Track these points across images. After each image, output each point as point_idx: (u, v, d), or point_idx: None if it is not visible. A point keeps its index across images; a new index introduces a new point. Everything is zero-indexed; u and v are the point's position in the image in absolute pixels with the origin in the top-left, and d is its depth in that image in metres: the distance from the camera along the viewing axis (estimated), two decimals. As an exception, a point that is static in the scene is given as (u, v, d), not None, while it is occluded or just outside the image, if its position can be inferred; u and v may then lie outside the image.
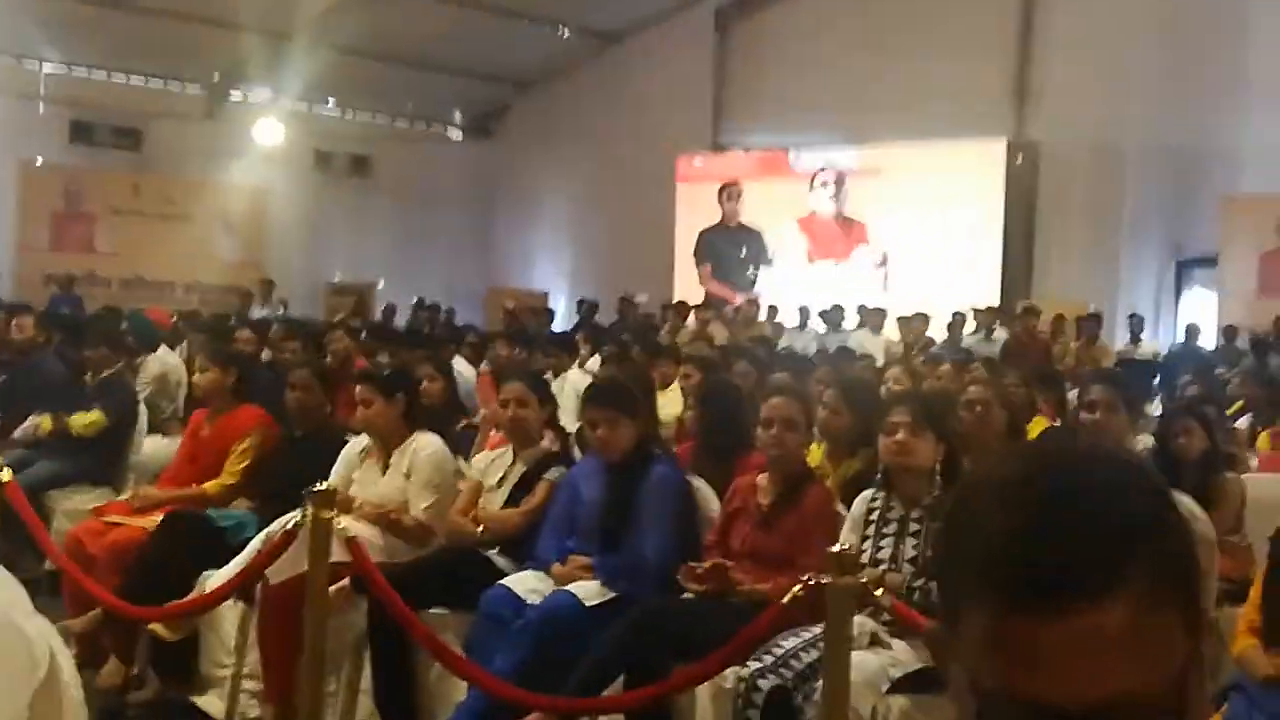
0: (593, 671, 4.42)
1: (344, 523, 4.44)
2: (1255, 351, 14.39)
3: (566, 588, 4.71)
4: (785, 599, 3.51)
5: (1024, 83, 18.13)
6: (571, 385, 9.07)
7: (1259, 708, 3.30)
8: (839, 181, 19.37)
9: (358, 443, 5.70)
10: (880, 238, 18.94)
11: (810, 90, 19.12)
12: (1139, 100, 16.70)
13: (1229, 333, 15.29)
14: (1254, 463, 6.79)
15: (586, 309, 18.24)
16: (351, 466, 5.56)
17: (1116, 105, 16.81)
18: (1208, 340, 15.72)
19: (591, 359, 11.28)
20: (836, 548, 3.44)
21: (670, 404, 8.24)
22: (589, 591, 4.70)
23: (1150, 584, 1.00)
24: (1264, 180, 16.07)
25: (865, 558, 4.27)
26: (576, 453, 5.67)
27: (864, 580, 3.34)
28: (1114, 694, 0.99)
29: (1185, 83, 16.37)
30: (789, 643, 4.05)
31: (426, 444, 5.50)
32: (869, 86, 18.27)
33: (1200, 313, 16.75)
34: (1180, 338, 15.90)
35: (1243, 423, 9.23)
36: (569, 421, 6.19)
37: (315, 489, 4.34)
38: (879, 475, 4.47)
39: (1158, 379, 13.14)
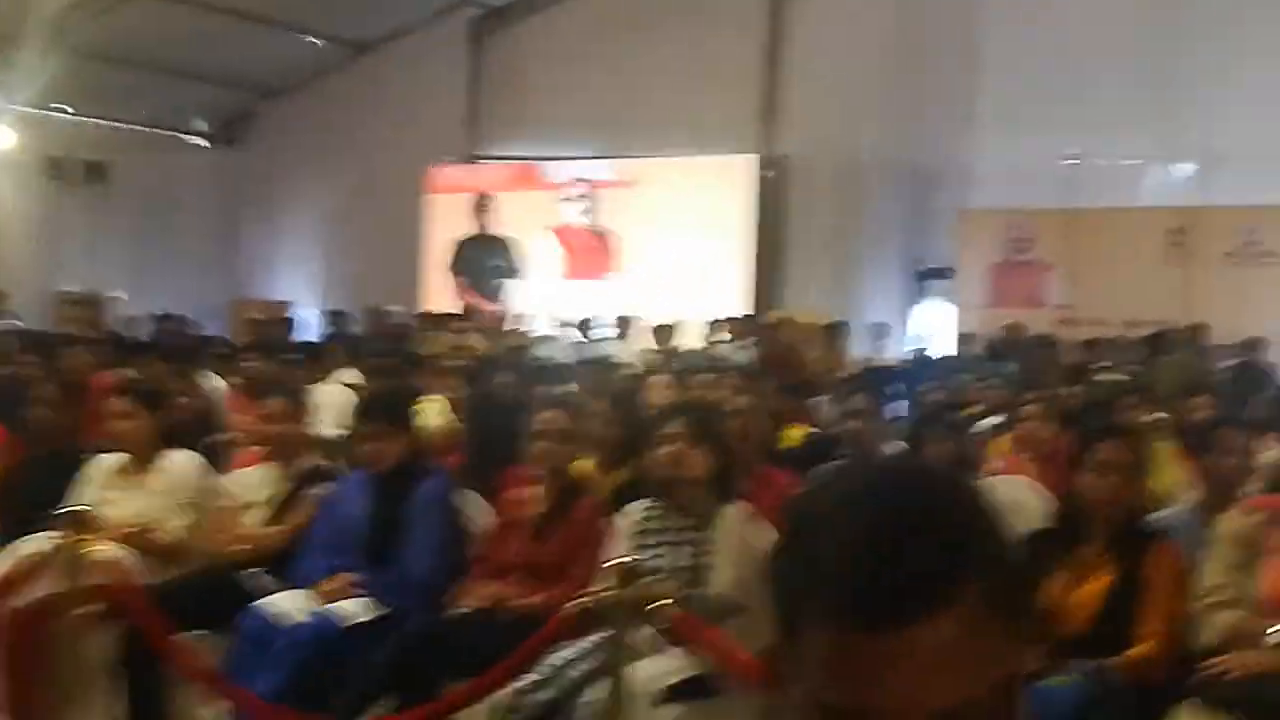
0: (360, 692, 4.32)
1: (96, 545, 4.22)
2: (991, 357, 15.13)
3: (332, 606, 4.59)
4: (568, 614, 3.49)
5: (772, 101, 18.60)
6: (323, 399, 8.86)
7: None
8: (591, 193, 19.50)
9: (105, 460, 5.42)
10: (634, 249, 19.14)
11: (565, 103, 19.21)
12: (878, 119, 17.38)
13: (965, 340, 16.02)
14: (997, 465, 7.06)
15: (337, 320, 17.87)
16: (101, 485, 5.28)
17: (857, 123, 17.45)
18: (944, 348, 16.40)
19: (344, 371, 11.03)
20: (616, 560, 3.44)
21: (429, 416, 8.12)
22: (356, 609, 4.59)
23: (981, 596, 1.03)
24: (995, 196, 16.93)
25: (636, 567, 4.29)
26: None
27: (638, 594, 3.34)
28: (950, 703, 1.01)
29: (921, 103, 17.11)
30: (562, 655, 4.03)
31: (182, 460, 5.28)
32: (624, 102, 18.49)
33: (938, 322, 17.49)
34: (922, 346, 16.51)
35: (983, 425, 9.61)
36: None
37: (64, 510, 4.11)
38: (651, 486, 4.48)
39: (899, 385, 13.65)
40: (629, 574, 3.91)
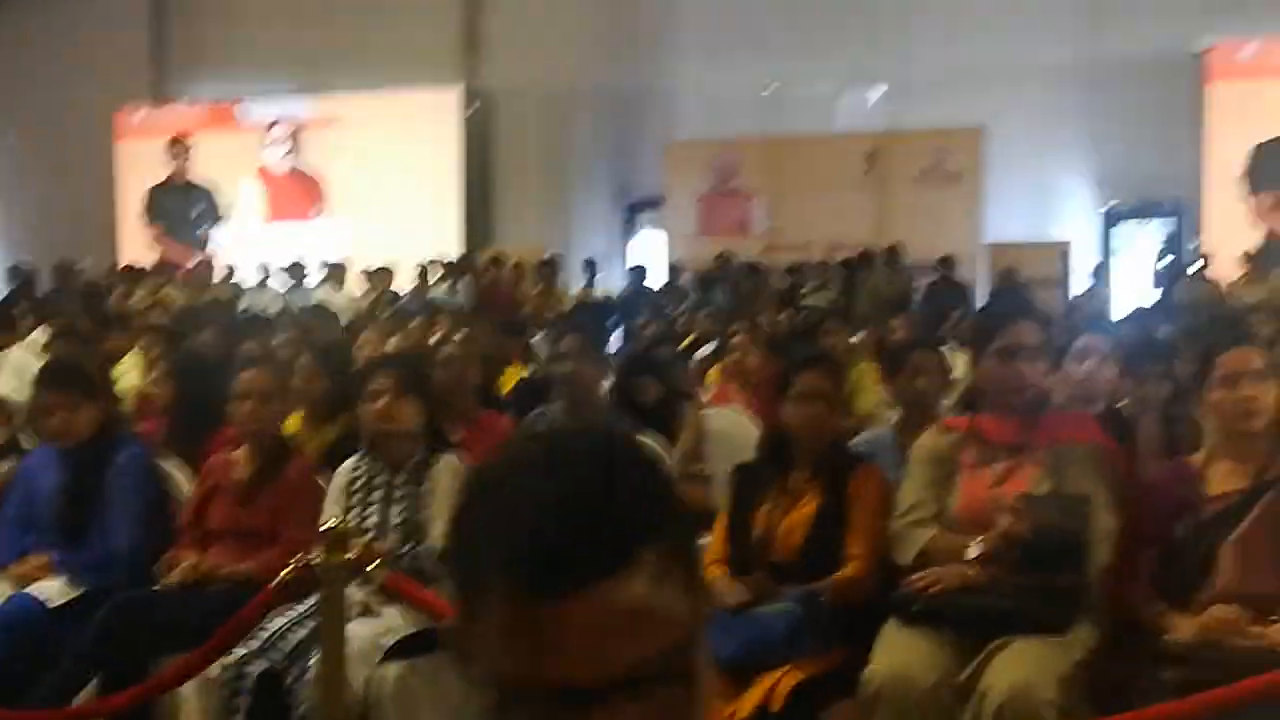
0: (63, 677, 4.11)
1: None
2: (702, 288, 15.44)
3: (27, 589, 4.33)
4: (276, 582, 3.38)
5: (474, 32, 18.37)
6: (12, 364, 8.34)
7: (729, 633, 3.49)
8: (294, 135, 18.92)
9: None
10: (340, 190, 18.69)
11: (259, 38, 18.52)
12: (584, 49, 17.40)
13: (676, 270, 16.28)
14: (706, 396, 7.19)
15: (22, 277, 16.75)
16: None
17: (563, 54, 17.42)
18: (657, 279, 16.63)
19: (34, 333, 10.40)
20: (327, 524, 3.34)
21: (126, 378, 7.74)
22: (53, 591, 4.35)
23: (658, 556, 1.05)
24: (701, 126, 17.23)
25: (352, 526, 4.20)
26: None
27: (354, 555, 3.25)
28: (631, 664, 1.02)
29: (625, 34, 17.22)
30: (276, 623, 3.92)
31: None
32: (321, 35, 17.92)
33: (650, 253, 17.72)
34: (636, 278, 16.70)
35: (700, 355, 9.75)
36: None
37: None
38: (361, 441, 4.38)
39: (614, 319, 13.79)
40: (340, 535, 3.82)
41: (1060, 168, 16.41)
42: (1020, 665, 3.18)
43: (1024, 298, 14.46)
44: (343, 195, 18.63)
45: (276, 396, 4.61)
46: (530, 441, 1.16)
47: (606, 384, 6.54)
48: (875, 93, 17.04)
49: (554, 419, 4.94)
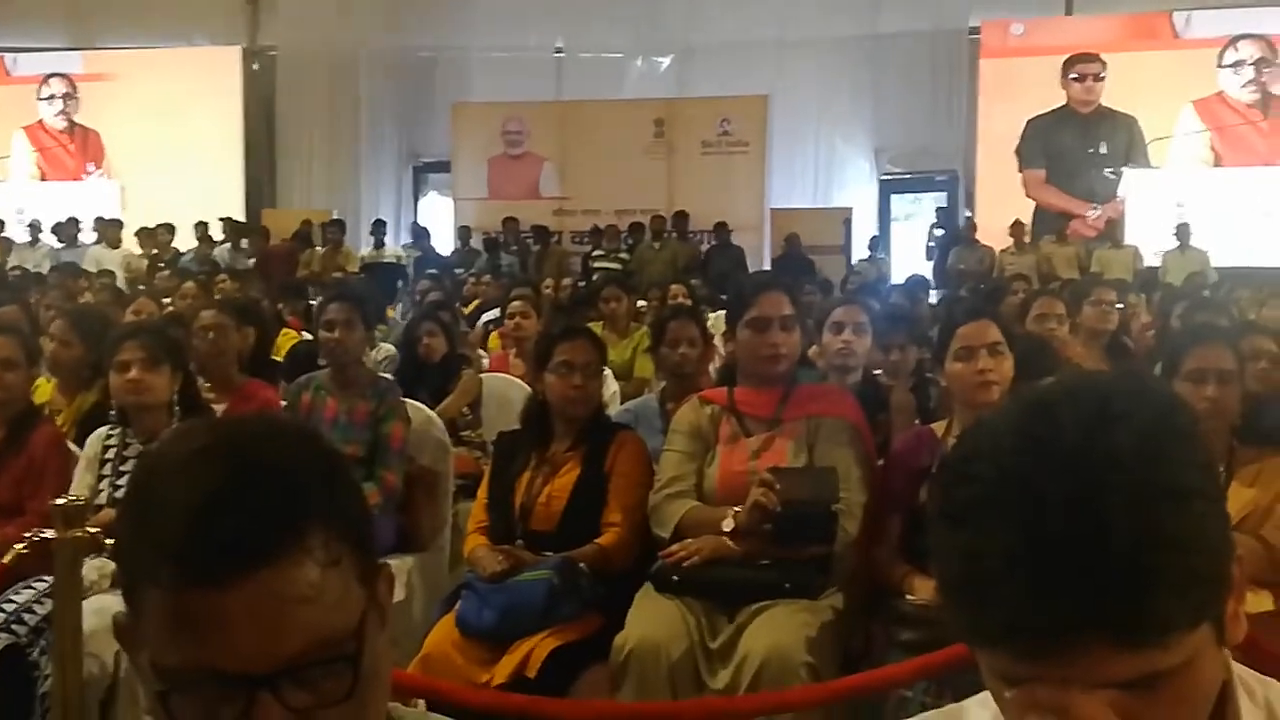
0: None
1: None
2: (488, 251, 15.37)
3: None
4: (7, 559, 3.24)
5: (257, -13, 17.90)
6: None
7: (488, 603, 3.50)
8: (69, 89, 18.12)
9: None
10: (117, 147, 17.99)
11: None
12: (370, 9, 17.09)
13: (464, 234, 16.16)
14: (486, 361, 7.18)
15: None
16: None
17: (349, 14, 17.09)
18: (445, 243, 16.50)
19: None
20: (62, 499, 3.22)
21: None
22: None
23: (325, 540, 1.05)
24: (490, 89, 17.10)
25: (104, 497, 4.07)
26: None
27: (94, 530, 3.14)
28: (297, 651, 1.03)
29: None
30: (21, 597, 3.77)
31: None
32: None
33: (437, 216, 17.56)
34: (422, 241, 16.51)
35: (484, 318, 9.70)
36: None
37: None
38: (114, 411, 4.23)
39: (402, 282, 13.64)
40: (79, 514, 3.70)
41: (842, 137, 16.82)
42: (774, 630, 3.26)
43: (805, 264, 14.93)
44: (120, 153, 17.94)
45: (22, 362, 4.40)
46: (195, 428, 1.14)
47: (381, 350, 6.49)
48: (665, 59, 17.16)
49: (322, 385, 4.84)
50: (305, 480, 1.07)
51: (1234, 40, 15.49)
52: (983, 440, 1.05)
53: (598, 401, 4.02)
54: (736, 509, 3.47)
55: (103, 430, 4.22)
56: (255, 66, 17.76)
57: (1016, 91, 15.91)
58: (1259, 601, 3.16)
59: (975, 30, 16.29)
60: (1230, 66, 15.52)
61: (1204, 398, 3.37)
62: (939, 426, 3.69)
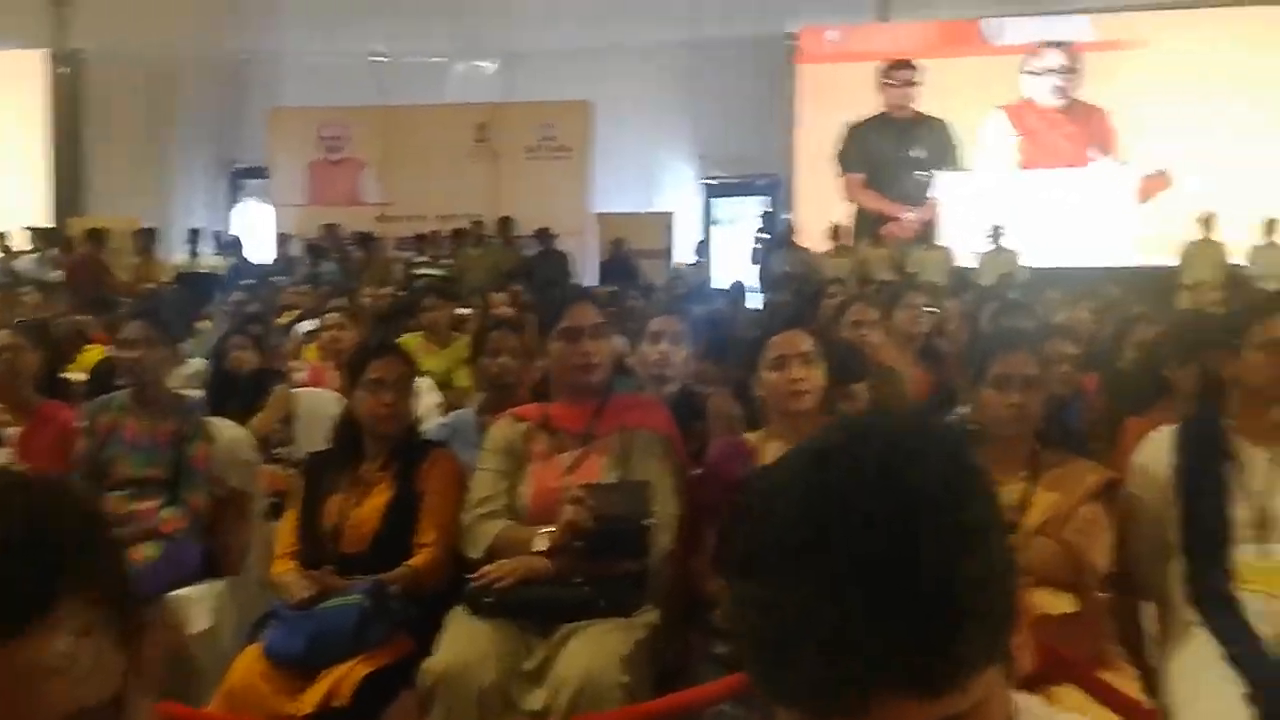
0: None
1: None
2: (311, 257, 15.08)
3: None
4: None
5: (62, -11, 17.28)
6: None
7: (296, 631, 3.39)
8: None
9: None
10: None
11: None
12: (182, 12, 16.61)
13: (283, 241, 15.82)
14: (303, 375, 6.99)
15: None
16: None
17: (160, 17, 16.56)
18: (266, 250, 16.13)
19: None
20: None
21: None
22: None
23: (78, 608, 1.00)
24: (306, 94, 16.78)
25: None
26: None
27: None
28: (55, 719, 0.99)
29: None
30: None
31: None
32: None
33: (255, 223, 17.16)
34: (239, 250, 16.12)
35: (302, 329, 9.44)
36: None
37: None
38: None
39: (219, 293, 13.27)
40: None
41: (664, 142, 16.93)
42: (589, 651, 3.21)
43: (630, 268, 14.99)
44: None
45: None
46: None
47: (190, 366, 6.28)
48: (488, 64, 17.06)
49: (122, 405, 4.65)
50: (55, 546, 1.01)
51: (1040, 47, 16.02)
52: (773, 488, 1.02)
53: (409, 419, 3.94)
54: (549, 528, 3.42)
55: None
56: (63, 70, 17.12)
57: (834, 97, 16.22)
58: (1060, 604, 3.22)
59: (793, 36, 16.54)
60: (1035, 73, 16.05)
61: (1009, 404, 3.42)
62: (753, 436, 3.70)
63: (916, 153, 16.23)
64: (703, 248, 16.41)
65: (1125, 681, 3.09)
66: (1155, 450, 3.53)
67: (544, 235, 15.24)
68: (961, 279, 13.04)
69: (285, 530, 3.84)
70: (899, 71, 16.29)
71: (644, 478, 3.53)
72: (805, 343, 3.59)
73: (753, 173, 17.28)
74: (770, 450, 3.60)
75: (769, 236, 16.05)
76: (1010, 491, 3.42)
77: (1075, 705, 2.85)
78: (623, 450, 3.60)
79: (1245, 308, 3.91)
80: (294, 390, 6.20)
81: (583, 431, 3.66)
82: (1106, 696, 2.75)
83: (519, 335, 4.73)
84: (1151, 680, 3.24)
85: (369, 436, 3.83)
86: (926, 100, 16.24)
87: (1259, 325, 3.36)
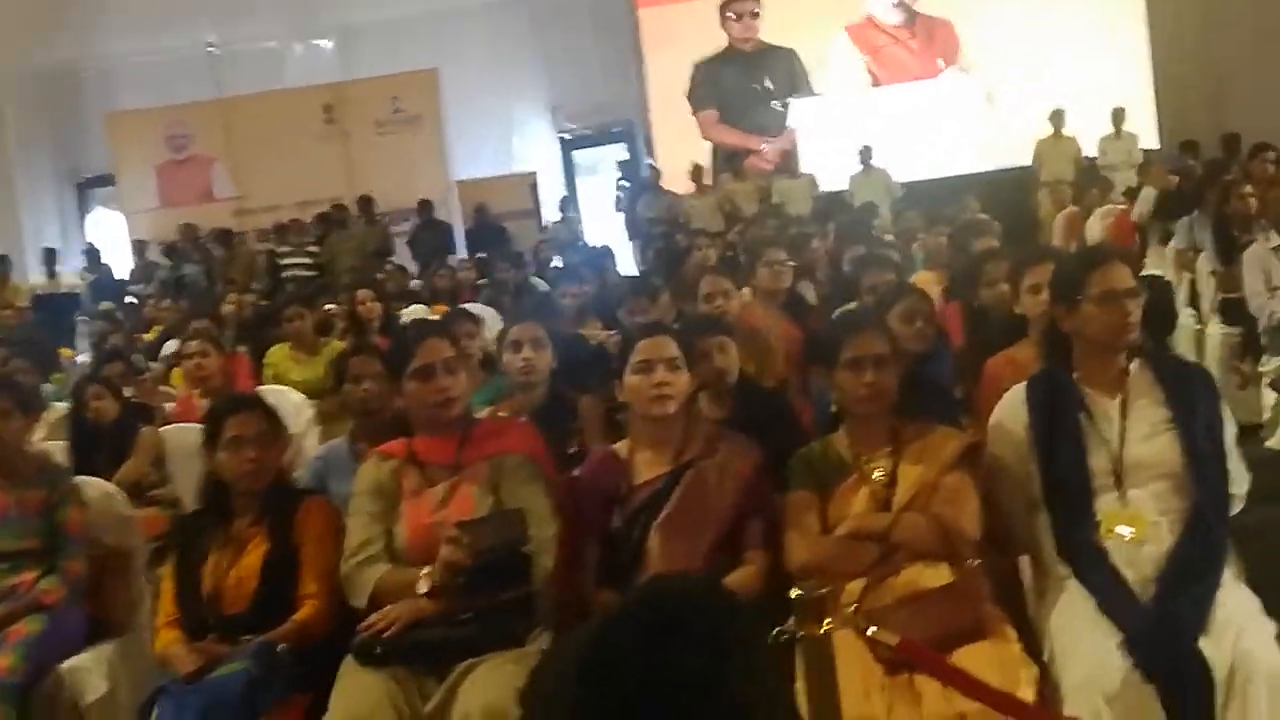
0: None
1: None
2: (170, 260, 14.76)
3: None
4: None
5: None
6: None
7: (186, 706, 3.35)
8: None
9: None
10: None
11: None
12: (11, 25, 16.04)
13: (140, 248, 15.46)
14: (171, 405, 6.86)
15: None
16: None
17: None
18: (123, 259, 15.74)
19: None
20: None
21: None
22: None
23: None
24: (145, 95, 16.35)
25: None
26: None
27: None
28: None
29: (50, 3, 16.00)
30: None
31: None
32: None
33: (110, 233, 16.74)
34: (97, 264, 15.70)
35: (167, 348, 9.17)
36: None
37: None
38: None
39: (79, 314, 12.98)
40: None
41: (517, 101, 16.81)
42: (486, 686, 3.21)
43: (497, 232, 14.91)
44: None
45: None
46: None
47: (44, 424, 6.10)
48: (326, 43, 16.76)
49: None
50: None
51: (874, -36, 16.14)
52: (555, 666, 1.04)
53: (276, 471, 3.89)
54: (430, 568, 3.41)
55: None
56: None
57: (679, 37, 16.18)
58: (937, 576, 3.29)
59: (632, -20, 16.49)
60: (875, -10, 16.18)
61: (863, 384, 3.48)
62: (621, 447, 3.71)
63: (768, 84, 16.27)
64: (568, 203, 16.34)
65: (1006, 645, 3.17)
66: (1011, 408, 3.62)
67: (424, 207, 15.09)
68: (828, 204, 13.12)
69: (165, 598, 3.79)
70: (738, 4, 16.29)
71: (516, 503, 3.52)
72: (670, 349, 3.61)
73: (608, 120, 17.23)
74: (641, 460, 3.62)
75: (629, 184, 16.04)
76: (876, 468, 3.50)
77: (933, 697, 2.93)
78: (492, 477, 3.59)
79: (1076, 259, 4.00)
80: (162, 429, 6.07)
81: (450, 463, 3.63)
82: (966, 687, 2.81)
83: (380, 358, 4.65)
84: (1033, 635, 3.34)
85: (237, 493, 3.79)
86: (769, 30, 16.26)
87: (1092, 276, 3.43)
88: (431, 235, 14.87)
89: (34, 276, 15.22)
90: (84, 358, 9.82)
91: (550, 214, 16.11)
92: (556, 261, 11.65)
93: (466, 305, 8.28)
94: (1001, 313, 5.05)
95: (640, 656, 0.99)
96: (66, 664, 4.25)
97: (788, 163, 15.49)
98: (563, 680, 1.03)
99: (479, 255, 13.36)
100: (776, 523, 3.53)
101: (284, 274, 13.95)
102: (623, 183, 16.14)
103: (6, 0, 15.85)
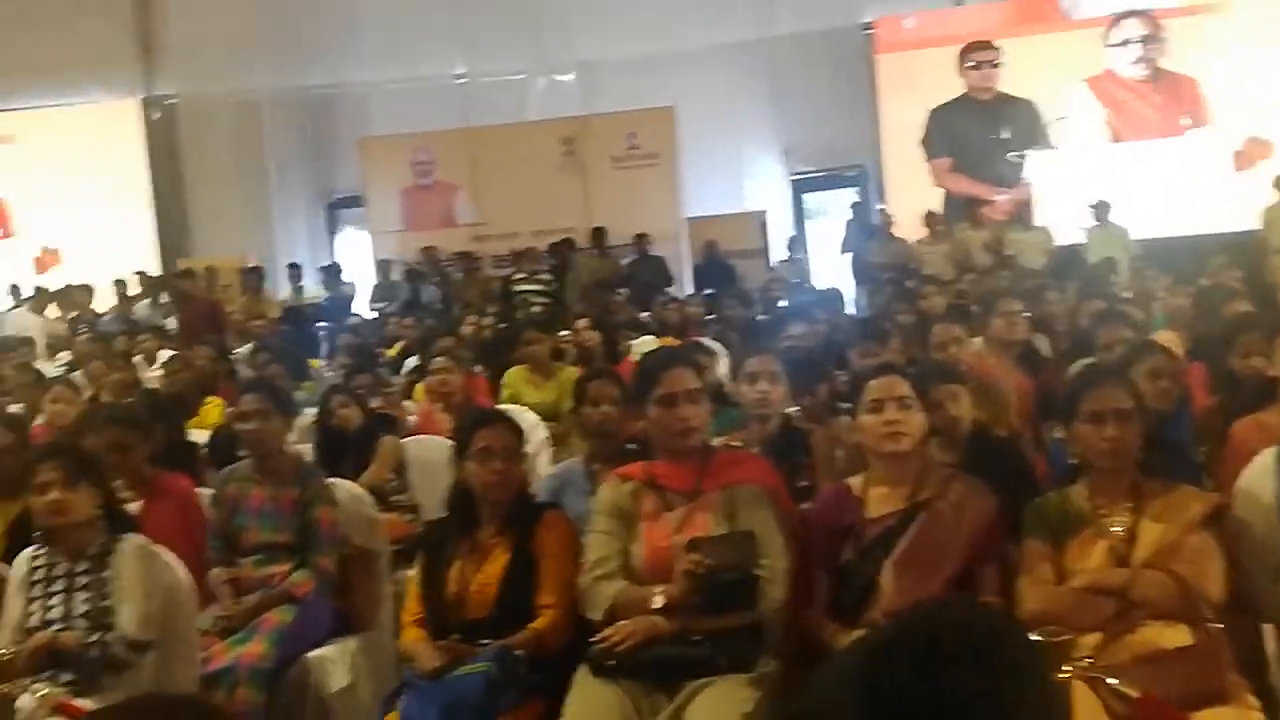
0: None
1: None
2: (410, 283, 15.32)
3: None
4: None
5: (150, 38, 17.70)
6: None
7: (429, 700, 3.52)
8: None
9: None
10: (27, 211, 17.75)
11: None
12: (266, 50, 16.96)
13: (384, 267, 16.10)
14: (413, 419, 7.13)
15: None
16: None
17: (245, 56, 16.96)
18: (366, 278, 16.40)
19: None
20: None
21: None
22: None
23: None
24: (394, 122, 17.04)
25: (35, 619, 4.04)
26: None
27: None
28: None
29: (308, 31, 16.86)
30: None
31: None
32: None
33: (355, 252, 17.47)
34: (342, 280, 16.36)
35: (409, 364, 9.52)
36: None
37: None
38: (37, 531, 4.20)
39: (320, 327, 13.59)
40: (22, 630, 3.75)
41: (749, 141, 16.96)
42: (714, 708, 3.31)
43: (725, 270, 15.04)
44: (28, 216, 17.71)
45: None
46: None
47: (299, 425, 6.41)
48: (567, 77, 17.21)
49: (245, 475, 4.86)
50: None
51: (1119, 18, 15.78)
52: (825, 689, 1.08)
53: (520, 484, 4.06)
54: (665, 586, 3.52)
55: (28, 551, 4.19)
56: (156, 116, 17.59)
57: (915, 83, 16.12)
58: (1176, 636, 3.25)
59: (869, 26, 16.50)
60: (1117, 45, 15.81)
61: (1104, 438, 3.45)
62: (855, 483, 3.76)
63: (1004, 134, 16.07)
64: (796, 243, 16.40)
65: (1248, 713, 3.11)
66: (1259, 473, 3.56)
67: (640, 241, 15.34)
68: (1062, 259, 12.87)
69: (410, 598, 3.99)
70: (978, 53, 16.13)
71: (750, 530, 3.61)
72: (902, 388, 3.65)
73: (840, 164, 17.25)
74: (875, 496, 3.67)
75: (859, 226, 16.03)
76: (1115, 523, 3.46)
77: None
78: (728, 506, 3.68)
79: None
80: (403, 440, 6.33)
81: (689, 489, 3.74)
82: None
83: (618, 382, 4.81)
84: (1276, 705, 3.26)
85: (482, 503, 3.96)
86: (1008, 80, 16.06)
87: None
88: (647, 269, 15.09)
89: (283, 291, 15.97)
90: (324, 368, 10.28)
91: (778, 253, 16.17)
92: (783, 300, 11.72)
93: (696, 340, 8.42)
94: (1251, 375, 4.92)
95: (922, 685, 1.03)
96: (313, 654, 4.51)
97: (1022, 214, 15.22)
98: (844, 711, 1.07)
99: (706, 291, 13.49)
100: (1009, 570, 3.53)
101: (516, 299, 14.34)
102: (852, 223, 16.15)
103: (269, 30, 16.80)
